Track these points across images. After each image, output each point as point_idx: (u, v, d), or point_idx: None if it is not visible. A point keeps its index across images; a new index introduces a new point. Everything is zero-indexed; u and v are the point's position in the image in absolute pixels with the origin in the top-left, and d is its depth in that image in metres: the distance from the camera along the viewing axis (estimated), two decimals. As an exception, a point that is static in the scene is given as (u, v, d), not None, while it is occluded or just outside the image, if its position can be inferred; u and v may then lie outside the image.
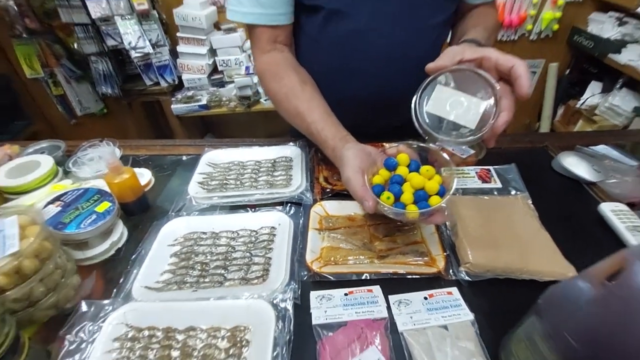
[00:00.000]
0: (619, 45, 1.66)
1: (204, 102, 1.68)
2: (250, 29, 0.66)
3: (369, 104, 0.73)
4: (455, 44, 0.58)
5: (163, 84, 1.68)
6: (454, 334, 0.44)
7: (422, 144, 0.52)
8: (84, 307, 0.45)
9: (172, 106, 1.69)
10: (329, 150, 0.59)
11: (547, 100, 2.06)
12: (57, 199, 0.57)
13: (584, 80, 1.92)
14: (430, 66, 0.49)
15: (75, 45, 2.02)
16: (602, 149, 0.83)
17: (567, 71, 2.03)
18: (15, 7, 1.85)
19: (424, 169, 0.49)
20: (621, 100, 1.65)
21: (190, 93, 1.71)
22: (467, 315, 0.45)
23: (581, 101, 1.83)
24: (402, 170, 0.50)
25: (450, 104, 0.49)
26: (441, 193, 0.47)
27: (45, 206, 0.55)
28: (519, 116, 2.30)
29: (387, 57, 0.67)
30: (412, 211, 0.46)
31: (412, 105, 0.49)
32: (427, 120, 0.49)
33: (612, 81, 1.75)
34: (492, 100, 0.46)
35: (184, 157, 0.79)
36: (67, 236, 0.52)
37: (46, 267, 0.45)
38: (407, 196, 0.47)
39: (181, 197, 0.65)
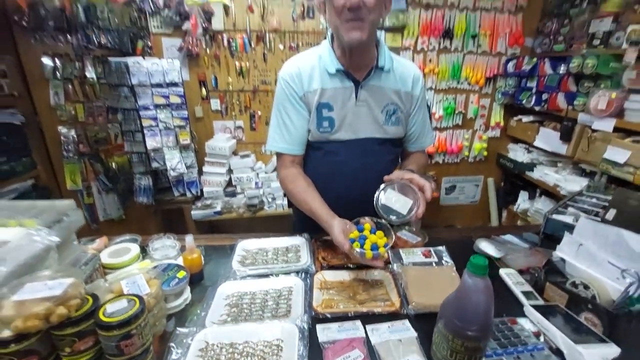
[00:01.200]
0: (530, 166, 2.26)
1: (218, 208, 2.09)
2: (279, 155, 1.12)
3: (349, 201, 1.09)
4: (400, 169, 1.04)
5: (188, 195, 2.12)
6: (405, 343, 0.73)
7: (378, 220, 0.93)
8: (179, 330, 0.73)
9: (192, 212, 2.08)
10: (323, 222, 0.97)
11: (492, 206, 2.59)
12: (153, 268, 0.89)
13: (515, 191, 2.48)
14: (385, 178, 0.95)
15: (114, 165, 2.54)
16: (508, 237, 1.24)
17: (502, 184, 2.62)
18: (76, 136, 2.39)
19: (378, 233, 0.90)
20: (542, 205, 2.15)
21: (208, 202, 2.13)
22: (413, 333, 0.75)
23: (516, 206, 2.34)
24: (366, 232, 0.91)
25: (394, 200, 0.93)
26: (386, 247, 0.86)
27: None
28: (475, 219, 2.79)
29: (359, 175, 1.11)
30: (369, 253, 0.84)
31: (374, 200, 0.92)
32: (382, 208, 0.92)
33: (534, 191, 2.30)
34: (415, 200, 0.89)
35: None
36: (163, 291, 0.82)
37: (157, 306, 0.75)
38: (367, 246, 0.86)
39: (226, 270, 0.97)
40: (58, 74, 2.23)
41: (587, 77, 1.83)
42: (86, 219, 2.56)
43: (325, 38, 1.04)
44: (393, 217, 0.91)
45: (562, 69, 1.94)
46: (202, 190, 2.19)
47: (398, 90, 1.08)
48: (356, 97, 1.04)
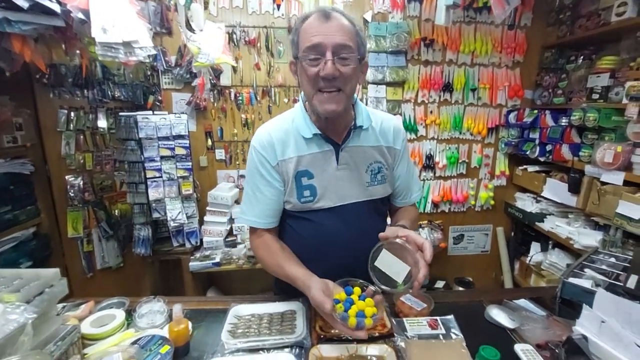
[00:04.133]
0: (541, 217, 2.18)
1: (217, 260, 2.03)
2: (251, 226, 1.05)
3: (341, 273, 0.97)
4: (393, 226, 0.98)
5: (188, 245, 2.08)
6: None
7: (371, 287, 0.83)
8: None
9: (190, 264, 2.02)
10: (299, 282, 0.89)
11: (503, 257, 2.47)
12: (135, 342, 0.82)
13: (527, 241, 2.37)
14: (381, 235, 0.86)
15: (117, 212, 2.54)
16: (522, 302, 1.14)
17: (512, 234, 2.52)
18: (82, 184, 2.41)
19: (368, 301, 0.81)
20: (557, 258, 2.04)
21: (207, 252, 2.08)
22: None
23: (528, 258, 2.23)
24: (354, 296, 0.83)
25: (389, 264, 0.82)
26: (373, 318, 0.78)
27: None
28: (487, 270, 2.66)
29: (349, 244, 1.00)
30: (352, 320, 0.75)
31: (368, 262, 0.83)
32: (376, 273, 0.82)
33: (546, 242, 2.20)
34: (413, 264, 0.79)
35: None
36: (143, 370, 0.75)
37: (133, 392, 0.68)
38: (352, 313, 0.77)
39: (215, 340, 0.90)
40: (71, 125, 2.32)
41: (590, 129, 1.82)
42: (83, 267, 2.51)
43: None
44: (387, 288, 0.82)
45: (563, 121, 1.95)
46: (202, 240, 2.15)
47: (380, 146, 1.03)
48: (337, 160, 0.99)
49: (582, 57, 2.00)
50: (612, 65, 1.77)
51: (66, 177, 2.38)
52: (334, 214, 1.01)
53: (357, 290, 0.84)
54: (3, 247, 2.05)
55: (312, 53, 0.85)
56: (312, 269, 0.94)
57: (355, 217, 1.02)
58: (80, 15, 1.22)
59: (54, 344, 0.75)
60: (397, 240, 0.83)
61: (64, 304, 1.01)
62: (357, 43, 0.89)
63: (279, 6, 2.15)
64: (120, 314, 0.96)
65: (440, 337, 0.92)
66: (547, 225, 2.12)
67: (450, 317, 0.99)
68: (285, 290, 1.06)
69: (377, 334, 0.91)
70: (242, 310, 1.03)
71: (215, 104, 2.26)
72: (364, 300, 0.82)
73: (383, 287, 0.82)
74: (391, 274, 0.82)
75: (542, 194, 2.16)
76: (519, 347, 0.88)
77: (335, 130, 0.99)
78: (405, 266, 0.80)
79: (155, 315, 1.00)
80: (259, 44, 2.22)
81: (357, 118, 1.00)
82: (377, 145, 1.03)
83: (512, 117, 2.33)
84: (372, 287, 0.84)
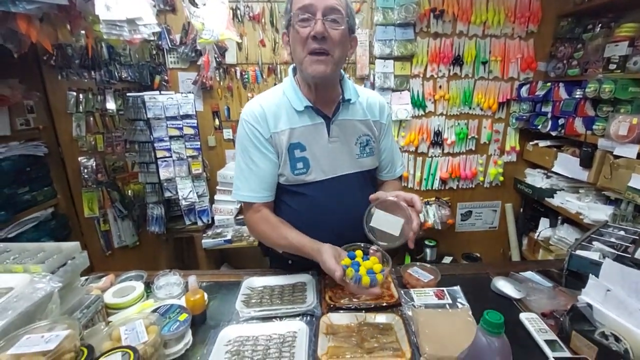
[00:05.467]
0: (550, 192, 2.16)
1: (229, 237, 2.09)
2: (246, 202, 1.05)
3: (338, 243, 0.99)
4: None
5: (200, 223, 2.14)
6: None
7: (371, 247, 0.90)
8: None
9: (203, 241, 2.08)
10: (307, 250, 0.92)
11: (511, 233, 2.48)
12: (155, 310, 0.87)
13: (536, 217, 2.37)
14: (371, 197, 0.90)
15: (130, 192, 2.60)
16: (528, 274, 1.16)
17: (521, 210, 2.51)
18: (95, 166, 2.47)
19: (372, 259, 0.86)
20: (565, 233, 2.03)
21: (219, 230, 2.14)
22: (425, 389, 0.70)
23: (537, 234, 2.23)
24: (358, 259, 0.87)
25: (384, 221, 0.87)
26: (382, 272, 0.82)
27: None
28: (494, 246, 2.67)
29: (344, 215, 1.03)
30: (366, 278, 0.79)
31: (363, 223, 0.88)
32: (372, 232, 0.87)
33: (555, 218, 2.19)
34: (405, 218, 0.85)
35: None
36: (163, 336, 0.80)
37: (155, 355, 0.72)
38: (363, 271, 0.82)
39: (230, 309, 0.94)
40: (81, 107, 2.35)
41: (605, 102, 1.77)
42: (101, 245, 2.61)
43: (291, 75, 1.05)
44: (385, 243, 0.87)
45: (577, 93, 1.89)
46: (213, 219, 2.20)
47: (367, 120, 1.07)
48: (328, 133, 1.02)
49: (600, 25, 1.91)
50: (632, 33, 1.68)
51: (79, 158, 2.43)
52: (326, 187, 1.04)
53: (358, 253, 0.89)
54: (25, 226, 2.14)
55: (304, 13, 0.87)
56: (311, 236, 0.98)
57: (348, 189, 1.05)
58: (84, -7, 1.21)
59: (80, 312, 0.80)
60: (388, 197, 0.88)
61: (86, 277, 1.06)
62: (347, 13, 0.92)
63: (283, -21, 2.08)
64: (139, 286, 1.01)
65: (447, 306, 0.95)
66: (556, 200, 2.10)
67: (457, 287, 1.02)
68: (282, 268, 1.12)
69: (385, 304, 0.94)
70: (255, 282, 1.07)
71: (221, 83, 2.25)
72: (368, 260, 0.87)
73: (382, 243, 0.88)
74: (387, 229, 0.87)
75: (552, 169, 2.13)
76: (524, 316, 0.91)
77: (325, 102, 1.02)
78: (399, 219, 0.86)
79: (172, 287, 1.04)
80: (263, 20, 2.17)
81: (345, 92, 1.03)
82: (364, 119, 1.07)
83: (524, 91, 2.26)
84: (373, 247, 0.89)
